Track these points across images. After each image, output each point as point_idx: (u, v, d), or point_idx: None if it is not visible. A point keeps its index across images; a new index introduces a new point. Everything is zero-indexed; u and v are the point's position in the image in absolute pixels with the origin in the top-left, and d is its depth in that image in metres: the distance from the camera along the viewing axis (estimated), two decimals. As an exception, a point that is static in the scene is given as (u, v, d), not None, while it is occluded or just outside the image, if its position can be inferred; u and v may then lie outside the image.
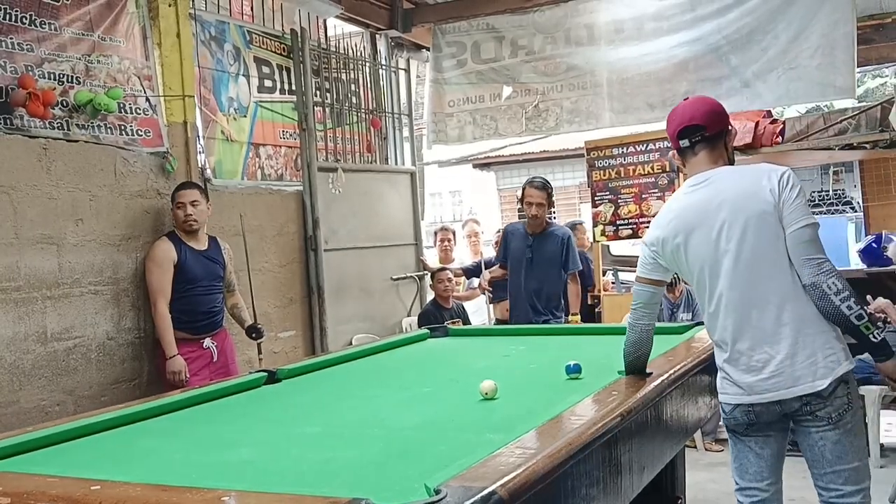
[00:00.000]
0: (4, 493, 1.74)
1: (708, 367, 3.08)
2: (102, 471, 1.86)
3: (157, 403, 2.68)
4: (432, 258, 7.00)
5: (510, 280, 5.38)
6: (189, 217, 4.25)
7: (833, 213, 14.47)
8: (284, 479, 1.82)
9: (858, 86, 6.58)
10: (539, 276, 5.30)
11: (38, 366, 3.83)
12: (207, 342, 4.34)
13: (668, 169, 5.93)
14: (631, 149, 6.05)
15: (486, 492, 1.48)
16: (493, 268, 5.65)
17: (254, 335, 4.65)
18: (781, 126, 5.72)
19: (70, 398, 3.95)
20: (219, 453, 2.11)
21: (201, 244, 4.39)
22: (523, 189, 5.37)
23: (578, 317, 5.49)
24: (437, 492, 1.49)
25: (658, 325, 4.51)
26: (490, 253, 6.90)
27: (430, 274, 6.40)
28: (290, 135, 5.66)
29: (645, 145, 6.00)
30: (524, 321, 5.17)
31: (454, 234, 7.28)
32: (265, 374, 3.13)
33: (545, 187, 5.33)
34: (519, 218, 5.21)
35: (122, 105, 4.27)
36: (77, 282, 4.02)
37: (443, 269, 6.23)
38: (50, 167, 3.93)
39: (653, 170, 5.98)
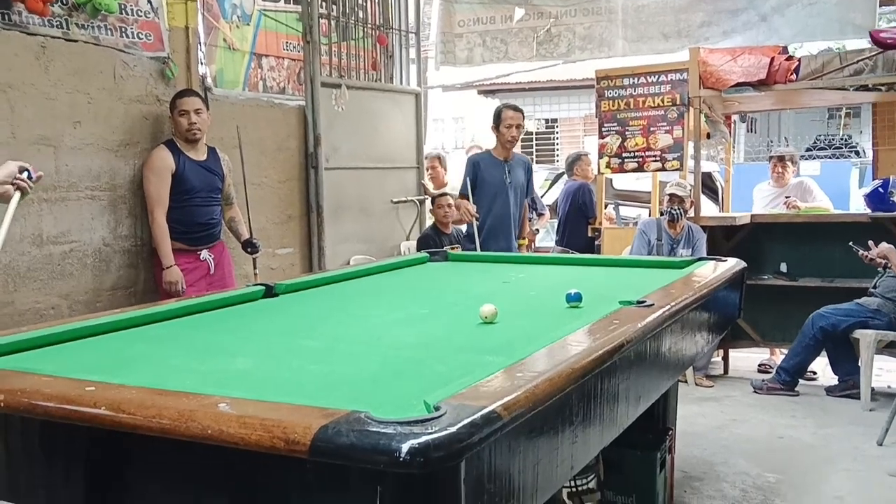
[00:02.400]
0: (-1, 390, 1.73)
1: (707, 303, 3.08)
2: (98, 373, 1.84)
3: (153, 311, 2.66)
4: (430, 183, 6.93)
5: (487, 208, 5.31)
6: (193, 125, 4.17)
7: (837, 158, 14.38)
8: (282, 390, 1.80)
9: (879, 26, 6.41)
10: (517, 201, 5.39)
11: (34, 268, 3.81)
12: (204, 254, 4.31)
13: (678, 102, 5.81)
14: (642, 80, 5.91)
15: (485, 410, 1.46)
16: (459, 199, 5.56)
17: (249, 249, 4.63)
18: (797, 63, 5.58)
19: (65, 302, 3.93)
20: (216, 362, 2.09)
21: (200, 154, 4.32)
22: (499, 113, 5.33)
23: (526, 242, 5.65)
24: (437, 408, 1.47)
25: (658, 259, 4.55)
26: None
27: (430, 199, 6.34)
28: (294, 47, 5.52)
29: (657, 76, 5.86)
30: (505, 248, 5.19)
31: (441, 159, 7.21)
32: (263, 287, 3.11)
33: (521, 110, 5.41)
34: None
35: (122, 6, 4.14)
36: (74, 186, 3.96)
37: (443, 194, 6.17)
38: (48, 66, 3.83)
39: (663, 102, 5.86)
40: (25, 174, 2.72)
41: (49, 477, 1.75)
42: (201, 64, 4.70)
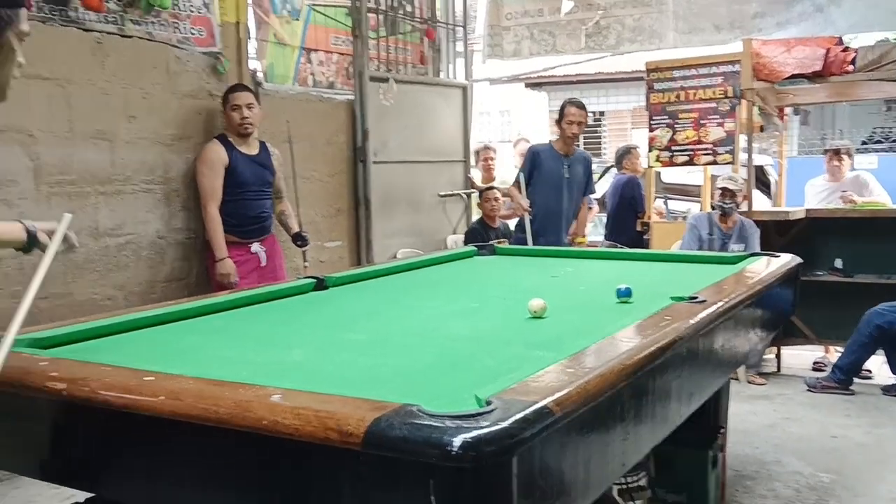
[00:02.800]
0: (60, 379, 1.78)
1: (760, 300, 3.02)
2: (155, 363, 1.88)
3: (208, 302, 2.70)
4: (477, 177, 6.93)
5: (542, 201, 5.30)
6: (245, 120, 4.23)
7: (895, 152, 13.99)
8: (334, 382, 1.82)
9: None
10: (574, 197, 5.37)
11: (91, 260, 3.90)
12: (256, 247, 4.37)
13: (730, 94, 5.70)
14: (693, 72, 5.81)
15: (537, 406, 1.46)
16: (509, 188, 5.56)
17: (299, 243, 4.68)
18: (853, 54, 5.44)
19: (120, 293, 4.03)
20: (269, 353, 2.12)
21: (252, 149, 4.37)
22: (563, 108, 5.33)
23: (586, 240, 5.59)
24: (488, 403, 1.47)
25: (710, 254, 4.47)
26: None
27: (477, 192, 6.34)
28: (343, 41, 5.55)
29: (708, 68, 5.75)
30: (554, 242, 5.16)
31: (496, 152, 7.20)
32: (314, 280, 3.14)
33: (584, 107, 5.38)
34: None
35: (175, 2, 4.21)
36: (129, 179, 4.05)
37: (490, 187, 6.16)
38: (104, 62, 3.92)
39: (714, 94, 5.75)
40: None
41: (106, 464, 1.80)
42: (252, 59, 4.77)
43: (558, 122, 5.31)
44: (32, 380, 1.81)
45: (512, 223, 6.30)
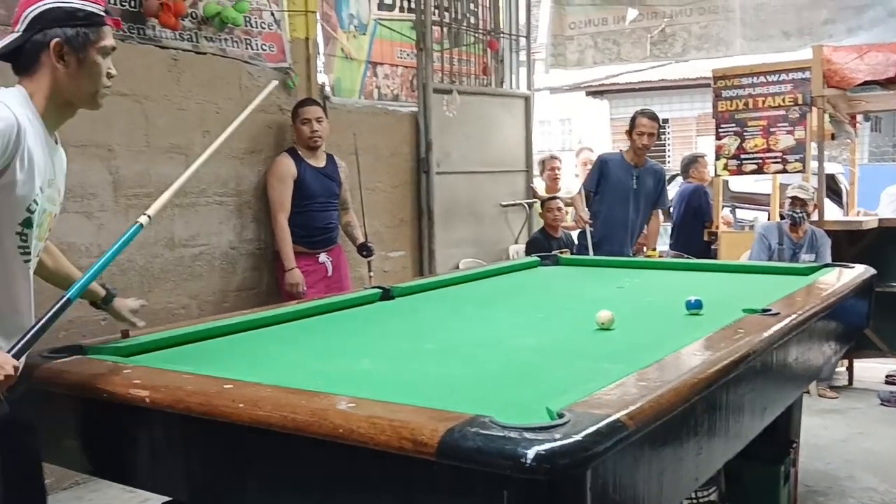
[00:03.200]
0: (143, 387, 1.84)
1: (833, 312, 2.95)
2: (232, 371, 1.93)
3: (279, 311, 2.76)
4: (539, 186, 6.92)
5: (607, 211, 5.25)
6: (315, 133, 4.32)
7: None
8: (404, 392, 1.84)
9: None
10: (641, 208, 5.30)
11: (166, 270, 4.03)
12: (323, 257, 4.45)
13: (800, 102, 5.59)
14: (761, 79, 5.70)
15: (610, 419, 1.46)
16: (572, 197, 5.52)
17: (364, 253, 4.74)
18: (930, 60, 5.28)
19: (194, 302, 4.14)
20: (340, 363, 2.16)
21: (320, 161, 4.46)
22: (634, 119, 5.27)
23: (657, 252, 5.46)
24: (560, 415, 1.48)
25: (780, 265, 4.38)
26: None
27: (539, 202, 6.33)
28: (408, 54, 5.62)
29: (777, 76, 5.65)
30: (617, 254, 5.11)
31: (561, 162, 7.18)
32: (380, 290, 3.18)
33: (657, 118, 5.29)
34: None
35: (248, 19, 4.33)
36: (203, 192, 4.17)
37: (553, 197, 6.15)
38: (179, 78, 4.05)
39: (784, 102, 5.64)
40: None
41: (184, 469, 1.86)
42: (320, 73, 4.86)
43: (629, 132, 5.26)
44: (116, 387, 1.88)
45: (574, 233, 6.27)
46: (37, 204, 1.83)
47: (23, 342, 1.79)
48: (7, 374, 1.70)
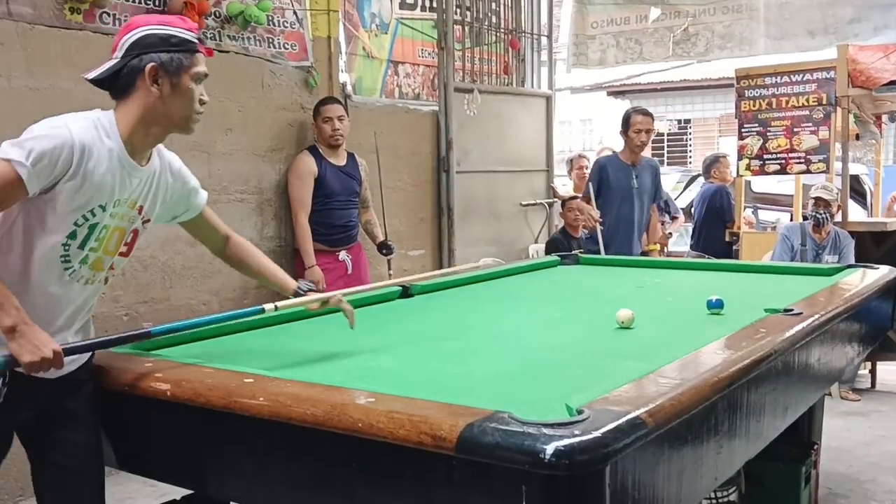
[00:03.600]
0: (165, 380, 1.86)
1: (857, 313, 2.93)
2: (253, 366, 1.95)
3: (299, 308, 2.77)
4: (562, 186, 6.90)
5: (612, 212, 5.25)
6: (336, 132, 4.34)
7: None
8: (424, 388, 1.85)
9: None
10: (645, 206, 5.31)
11: (188, 266, 4.06)
12: (343, 255, 4.46)
13: (824, 102, 5.53)
14: (785, 78, 5.66)
15: (630, 416, 1.45)
16: (577, 200, 5.50)
17: (384, 251, 4.75)
18: (957, 60, 5.22)
19: (215, 298, 4.17)
20: (361, 359, 2.17)
21: (340, 160, 4.48)
22: (629, 117, 5.24)
23: (658, 247, 5.44)
24: (580, 412, 1.48)
25: (803, 265, 4.35)
26: None
27: (560, 202, 6.32)
28: (429, 53, 5.63)
29: (801, 75, 5.60)
30: (626, 253, 5.10)
31: (589, 161, 7.15)
32: (399, 288, 3.19)
33: (651, 114, 5.30)
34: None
35: (270, 18, 4.35)
36: (225, 189, 4.19)
37: (573, 197, 6.13)
38: (202, 77, 4.07)
39: (808, 102, 5.59)
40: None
41: (205, 462, 1.87)
42: (342, 72, 4.88)
43: (624, 131, 5.25)
44: (138, 380, 1.90)
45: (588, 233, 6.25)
46: (87, 219, 1.86)
47: (79, 344, 1.90)
48: (44, 357, 1.74)
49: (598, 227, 5.18)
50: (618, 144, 5.50)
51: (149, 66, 1.84)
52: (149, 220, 2.05)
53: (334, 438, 1.57)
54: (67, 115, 1.85)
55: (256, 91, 4.32)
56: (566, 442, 1.33)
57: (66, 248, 1.87)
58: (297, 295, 2.30)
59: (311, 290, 2.35)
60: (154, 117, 1.89)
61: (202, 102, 1.95)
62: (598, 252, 5.07)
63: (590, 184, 5.29)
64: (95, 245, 1.92)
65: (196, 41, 1.91)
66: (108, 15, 3.74)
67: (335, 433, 1.56)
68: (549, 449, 1.32)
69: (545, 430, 1.37)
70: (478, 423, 1.42)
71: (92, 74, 1.89)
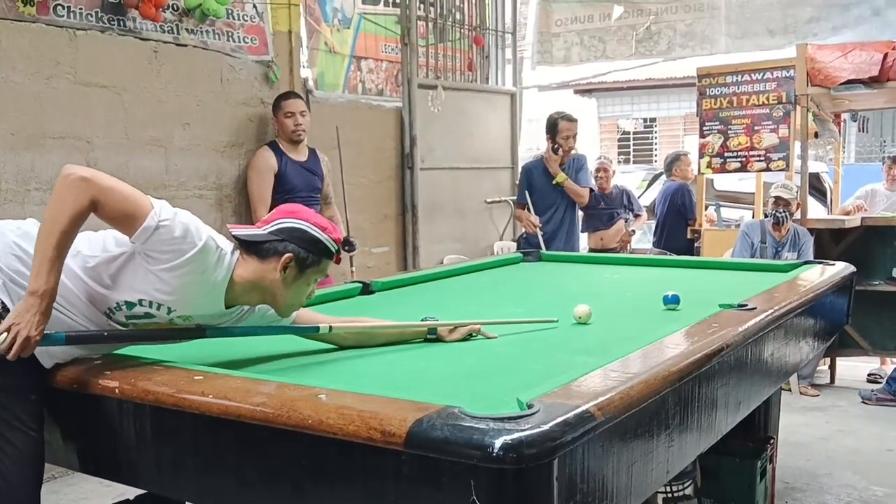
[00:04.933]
0: (113, 378, 1.83)
1: (812, 309, 2.96)
2: (204, 363, 1.93)
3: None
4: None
5: (545, 218, 5.30)
6: (299, 126, 4.31)
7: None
8: (379, 383, 1.84)
9: None
10: (573, 205, 5.41)
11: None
12: (304, 251, 4.42)
13: (784, 100, 5.61)
14: (745, 77, 5.72)
15: (579, 410, 1.46)
16: (521, 212, 5.54)
17: (346, 248, 4.71)
18: (913, 59, 5.30)
19: (174, 297, 4.11)
20: (316, 355, 2.16)
21: (301, 155, 4.44)
22: (554, 124, 5.33)
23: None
24: (530, 406, 1.48)
25: (762, 262, 4.40)
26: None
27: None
28: (392, 49, 5.60)
29: (761, 74, 5.66)
30: (569, 248, 5.27)
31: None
32: (360, 285, 3.17)
33: (575, 120, 5.43)
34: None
35: (230, 11, 4.31)
36: (183, 185, 4.14)
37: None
38: (160, 70, 4.02)
39: (768, 100, 5.66)
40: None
41: (157, 461, 1.84)
42: (303, 67, 4.84)
43: (551, 137, 5.31)
44: (87, 378, 1.87)
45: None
46: (151, 306, 1.93)
47: (81, 334, 1.92)
48: (25, 337, 1.76)
49: (539, 231, 5.25)
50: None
51: (287, 255, 1.93)
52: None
53: (284, 435, 1.55)
54: (213, 231, 1.95)
55: (215, 85, 4.27)
56: (514, 436, 1.33)
57: (118, 307, 1.94)
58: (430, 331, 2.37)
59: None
60: (264, 290, 1.98)
61: (309, 296, 2.05)
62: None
63: (525, 191, 5.35)
64: (140, 324, 1.99)
65: (335, 251, 2.01)
66: (63, 7, 3.67)
67: (285, 430, 1.54)
68: (498, 443, 1.32)
69: (493, 425, 1.37)
70: (427, 417, 1.42)
71: (237, 232, 1.98)
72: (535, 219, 5.26)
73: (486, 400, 1.65)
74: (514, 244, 6.22)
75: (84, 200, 1.80)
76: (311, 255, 1.95)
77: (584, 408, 1.47)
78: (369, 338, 2.28)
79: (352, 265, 4.80)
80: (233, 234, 1.99)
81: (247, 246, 1.97)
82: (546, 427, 1.36)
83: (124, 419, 1.84)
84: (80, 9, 3.72)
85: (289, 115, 4.31)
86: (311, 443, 1.52)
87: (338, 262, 2.06)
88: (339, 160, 4.77)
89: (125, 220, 1.83)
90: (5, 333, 1.77)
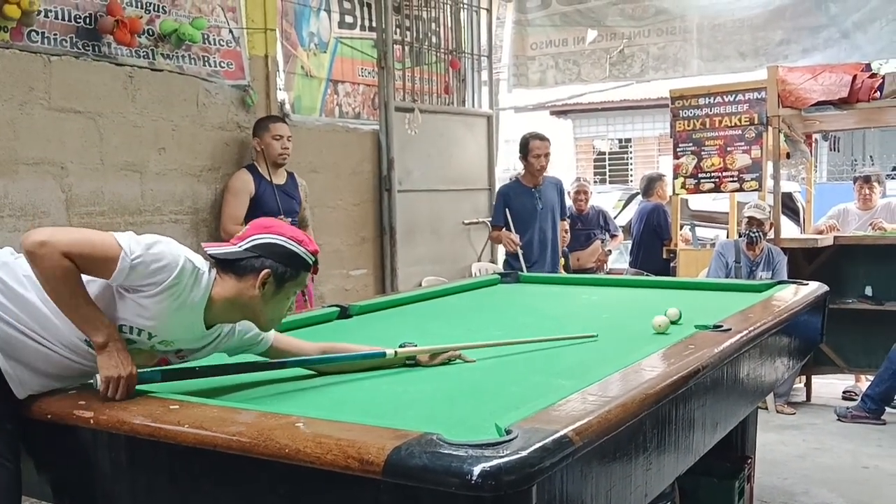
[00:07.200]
0: (87, 407, 1.81)
1: (787, 328, 3.00)
2: (179, 392, 1.91)
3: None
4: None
5: (524, 234, 5.35)
6: (286, 150, 4.34)
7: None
8: (357, 409, 1.84)
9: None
10: (552, 223, 5.47)
11: (121, 289, 3.95)
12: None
13: (756, 121, 5.69)
14: (718, 99, 5.81)
15: (557, 435, 1.46)
16: (500, 232, 5.58)
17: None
18: (881, 80, 5.40)
19: (149, 322, 4.07)
20: (293, 382, 2.14)
21: (280, 178, 4.44)
22: (527, 143, 5.39)
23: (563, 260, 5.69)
24: (508, 432, 1.48)
25: (737, 282, 4.44)
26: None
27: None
28: (369, 73, 5.63)
29: (733, 95, 5.75)
30: (549, 269, 5.31)
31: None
32: (338, 308, 3.17)
33: (547, 139, 5.48)
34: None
35: (205, 36, 4.30)
36: (158, 210, 4.12)
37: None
38: (135, 95, 4.01)
39: (740, 122, 5.75)
40: None
41: (133, 491, 1.82)
42: (280, 91, 4.84)
43: (524, 157, 5.37)
44: (61, 409, 1.85)
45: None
46: (132, 332, 1.93)
47: (174, 369, 1.99)
48: (119, 377, 1.83)
49: (519, 250, 5.29)
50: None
51: (265, 271, 1.92)
52: (185, 357, 2.09)
53: (261, 464, 1.54)
54: (187, 250, 1.94)
55: (191, 110, 4.26)
56: (493, 463, 1.33)
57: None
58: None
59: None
60: (243, 308, 1.97)
61: (288, 311, 2.06)
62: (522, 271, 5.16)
63: (506, 210, 5.38)
64: None
65: (312, 263, 2.01)
66: (37, 33, 3.65)
67: (262, 459, 1.53)
68: (476, 470, 1.32)
69: (472, 452, 1.37)
70: (405, 445, 1.41)
71: (211, 250, 1.97)
72: (516, 237, 5.29)
73: (465, 425, 1.65)
74: (492, 265, 6.24)
75: (57, 259, 1.81)
76: (288, 269, 1.95)
77: (562, 433, 1.47)
78: (349, 364, 2.27)
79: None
80: (208, 252, 1.98)
81: (223, 264, 1.95)
82: (524, 453, 1.36)
83: (99, 450, 1.82)
84: (55, 34, 3.70)
85: (277, 137, 4.32)
86: (288, 472, 1.51)
87: (315, 272, 2.05)
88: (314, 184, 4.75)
89: (98, 267, 1.84)
90: (106, 384, 1.84)
